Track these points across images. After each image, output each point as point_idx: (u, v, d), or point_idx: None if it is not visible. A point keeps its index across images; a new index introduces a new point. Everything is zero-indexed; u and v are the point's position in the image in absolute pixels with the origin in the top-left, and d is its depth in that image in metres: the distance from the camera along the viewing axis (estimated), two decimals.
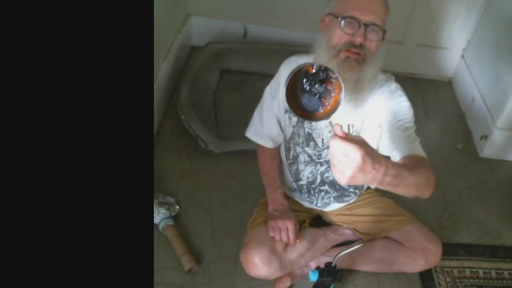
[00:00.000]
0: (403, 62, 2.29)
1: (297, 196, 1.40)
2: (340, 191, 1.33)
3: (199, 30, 2.29)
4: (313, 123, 1.18)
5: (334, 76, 0.82)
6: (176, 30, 2.11)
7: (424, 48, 2.28)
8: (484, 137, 1.94)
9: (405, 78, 2.32)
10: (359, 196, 1.40)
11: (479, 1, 2.08)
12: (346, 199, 1.37)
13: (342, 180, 0.75)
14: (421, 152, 1.02)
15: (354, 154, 0.72)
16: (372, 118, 1.14)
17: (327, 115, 0.84)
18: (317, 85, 0.84)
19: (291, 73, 0.80)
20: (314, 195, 1.35)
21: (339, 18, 1.02)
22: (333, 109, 0.83)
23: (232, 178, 1.70)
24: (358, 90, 1.05)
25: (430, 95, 2.29)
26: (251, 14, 2.22)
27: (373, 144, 1.16)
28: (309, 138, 1.22)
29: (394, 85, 1.13)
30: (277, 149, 1.37)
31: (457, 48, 2.26)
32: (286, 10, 2.15)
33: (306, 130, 1.21)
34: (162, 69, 1.87)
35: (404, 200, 1.66)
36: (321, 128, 1.19)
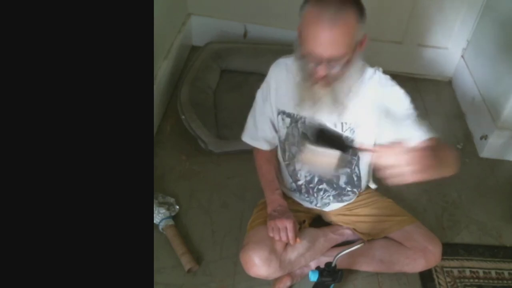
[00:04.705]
0: (403, 62, 2.30)
1: (296, 197, 1.40)
2: (338, 190, 1.33)
3: (199, 30, 2.29)
4: (306, 123, 1.19)
5: None
6: (176, 30, 2.11)
7: (424, 48, 2.28)
8: (484, 137, 1.94)
9: (405, 78, 2.32)
10: (358, 196, 1.40)
11: (479, 1, 2.08)
12: (345, 198, 1.37)
13: (411, 179, 0.83)
14: (433, 133, 1.07)
15: (402, 160, 0.82)
16: (367, 112, 1.14)
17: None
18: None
19: None
20: (313, 194, 1.35)
21: (301, 54, 1.03)
22: None
23: (232, 178, 1.70)
24: (337, 101, 1.08)
25: (430, 95, 2.29)
26: (251, 14, 2.22)
27: (370, 136, 1.17)
28: (304, 137, 1.22)
29: (383, 76, 1.15)
30: (273, 151, 1.37)
31: (457, 48, 2.26)
32: (286, 10, 2.14)
33: (300, 130, 1.21)
34: (162, 69, 1.87)
35: (404, 200, 1.66)
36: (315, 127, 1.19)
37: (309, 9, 0.98)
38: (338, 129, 1.17)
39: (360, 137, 1.19)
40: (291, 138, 1.24)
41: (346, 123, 1.17)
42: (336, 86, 1.05)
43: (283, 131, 1.25)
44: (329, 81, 1.04)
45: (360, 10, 0.99)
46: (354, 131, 1.18)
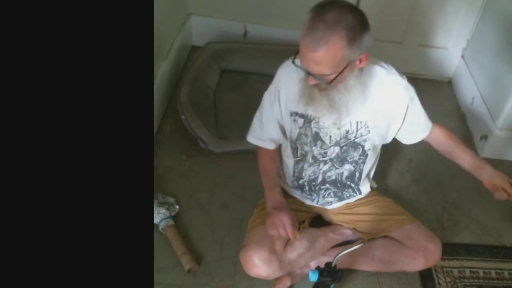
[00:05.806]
0: (403, 62, 2.28)
1: (298, 194, 1.40)
2: (341, 188, 1.34)
3: (199, 30, 2.29)
4: (320, 123, 1.19)
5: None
6: (176, 30, 2.11)
7: (424, 48, 2.28)
8: (484, 137, 1.94)
9: None
10: (361, 199, 1.40)
11: (479, 1, 2.08)
12: (346, 193, 1.36)
13: None
14: (430, 119, 1.31)
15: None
16: (382, 112, 1.18)
17: None
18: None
19: None
20: (315, 192, 1.35)
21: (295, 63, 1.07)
22: None
23: (232, 178, 1.70)
24: (333, 106, 1.11)
25: (430, 95, 2.29)
26: (251, 14, 2.22)
27: (384, 135, 1.25)
28: (317, 137, 1.23)
29: (399, 79, 1.22)
30: (277, 150, 1.37)
31: (457, 48, 2.26)
32: (286, 10, 2.15)
33: (314, 130, 1.22)
34: (162, 69, 1.87)
35: (404, 200, 1.67)
36: (328, 126, 1.19)
37: (305, 22, 0.99)
38: (352, 128, 1.19)
39: (374, 137, 1.22)
40: (304, 138, 1.25)
41: (361, 122, 1.18)
42: (332, 92, 1.09)
43: (295, 132, 1.25)
44: (322, 87, 1.08)
45: (351, 35, 0.96)
46: (369, 131, 1.19)
